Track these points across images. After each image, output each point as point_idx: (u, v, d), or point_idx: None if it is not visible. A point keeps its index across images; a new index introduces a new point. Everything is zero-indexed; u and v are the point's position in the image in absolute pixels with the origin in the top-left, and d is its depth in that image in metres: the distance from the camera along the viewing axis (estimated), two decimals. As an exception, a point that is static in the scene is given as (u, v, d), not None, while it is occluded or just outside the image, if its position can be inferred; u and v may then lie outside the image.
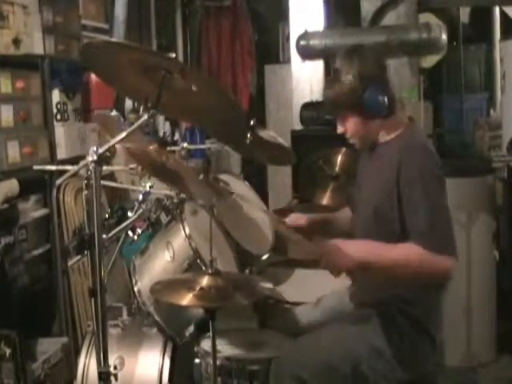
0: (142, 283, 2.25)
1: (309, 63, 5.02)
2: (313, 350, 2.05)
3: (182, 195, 2.38)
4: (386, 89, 2.07)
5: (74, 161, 3.17)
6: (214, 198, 2.20)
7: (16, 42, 3.00)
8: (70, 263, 2.11)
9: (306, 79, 5.01)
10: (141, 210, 2.25)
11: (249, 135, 2.40)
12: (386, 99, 2.05)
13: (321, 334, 2.11)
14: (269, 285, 2.02)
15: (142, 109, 1.86)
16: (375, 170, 2.14)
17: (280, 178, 5.46)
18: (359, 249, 1.98)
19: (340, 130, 2.18)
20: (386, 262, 1.97)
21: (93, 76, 3.56)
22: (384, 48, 4.69)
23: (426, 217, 1.94)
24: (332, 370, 2.01)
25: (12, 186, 2.92)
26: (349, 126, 2.13)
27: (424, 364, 2.09)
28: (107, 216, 2.23)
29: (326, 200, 3.15)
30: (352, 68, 2.05)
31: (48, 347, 2.97)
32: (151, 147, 2.11)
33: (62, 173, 3.09)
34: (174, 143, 5.21)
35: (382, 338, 2.04)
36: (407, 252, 1.95)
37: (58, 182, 3.13)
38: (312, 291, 2.40)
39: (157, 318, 2.22)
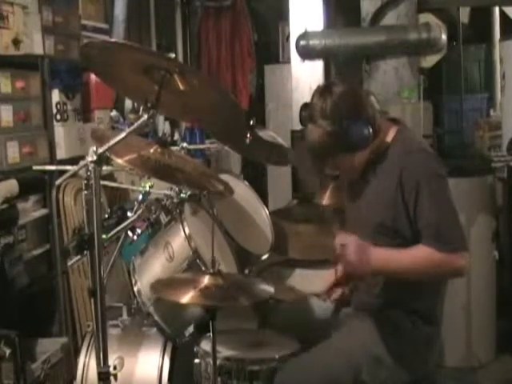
0: (142, 283, 2.25)
1: (308, 63, 5.02)
2: (314, 363, 2.05)
3: (182, 195, 2.38)
4: (366, 117, 2.00)
5: (73, 161, 3.17)
6: (220, 185, 2.21)
7: (16, 42, 3.00)
8: (69, 263, 2.10)
9: (305, 79, 5.02)
10: (140, 210, 2.25)
11: (248, 135, 2.40)
12: (369, 128, 1.99)
13: (321, 347, 2.10)
14: (269, 285, 2.01)
15: (141, 109, 1.85)
16: (373, 186, 2.09)
17: (280, 178, 5.45)
18: (379, 257, 1.96)
19: (333, 173, 2.16)
20: (401, 270, 1.97)
21: (92, 76, 3.56)
22: (384, 48, 4.70)
23: (435, 220, 1.93)
24: (333, 381, 2.01)
25: (11, 186, 2.92)
26: (341, 167, 2.11)
27: (426, 364, 2.09)
28: (107, 216, 2.23)
29: (325, 200, 3.14)
30: (328, 109, 1.98)
31: (48, 347, 2.97)
32: (152, 149, 2.11)
33: (61, 173, 3.09)
34: (174, 143, 5.20)
35: (380, 345, 2.04)
36: (421, 258, 1.94)
37: (58, 182, 3.13)
38: (312, 291, 2.39)
39: (156, 318, 2.22)
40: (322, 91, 2.04)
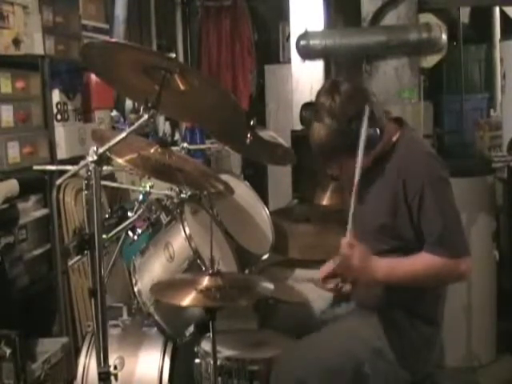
0: (143, 283, 2.25)
1: (309, 63, 5.02)
2: (314, 351, 2.05)
3: (183, 195, 2.38)
4: (374, 118, 1.96)
5: (74, 161, 3.17)
6: (220, 185, 2.21)
7: (16, 42, 3.00)
8: (70, 263, 2.11)
9: (306, 79, 5.00)
10: (141, 210, 2.25)
11: (249, 135, 2.40)
12: (377, 130, 1.97)
13: (321, 336, 2.10)
14: (269, 285, 2.01)
15: (142, 109, 1.86)
16: (376, 188, 2.07)
17: (280, 178, 5.45)
18: (382, 269, 1.95)
19: (336, 173, 2.13)
20: (404, 280, 1.97)
21: (93, 76, 3.56)
22: (384, 48, 4.69)
23: (439, 226, 1.92)
24: (333, 372, 2.00)
25: (12, 186, 2.92)
26: (345, 169, 2.05)
27: (426, 364, 2.09)
28: (107, 216, 2.23)
29: (325, 200, 3.14)
30: (336, 108, 1.95)
31: (48, 347, 2.97)
32: (152, 150, 2.11)
33: (62, 173, 3.09)
34: (174, 143, 5.21)
35: (383, 339, 2.04)
36: (424, 266, 1.94)
37: (58, 182, 3.13)
38: (312, 291, 2.40)
39: (157, 317, 2.22)
40: (328, 89, 2.00)
